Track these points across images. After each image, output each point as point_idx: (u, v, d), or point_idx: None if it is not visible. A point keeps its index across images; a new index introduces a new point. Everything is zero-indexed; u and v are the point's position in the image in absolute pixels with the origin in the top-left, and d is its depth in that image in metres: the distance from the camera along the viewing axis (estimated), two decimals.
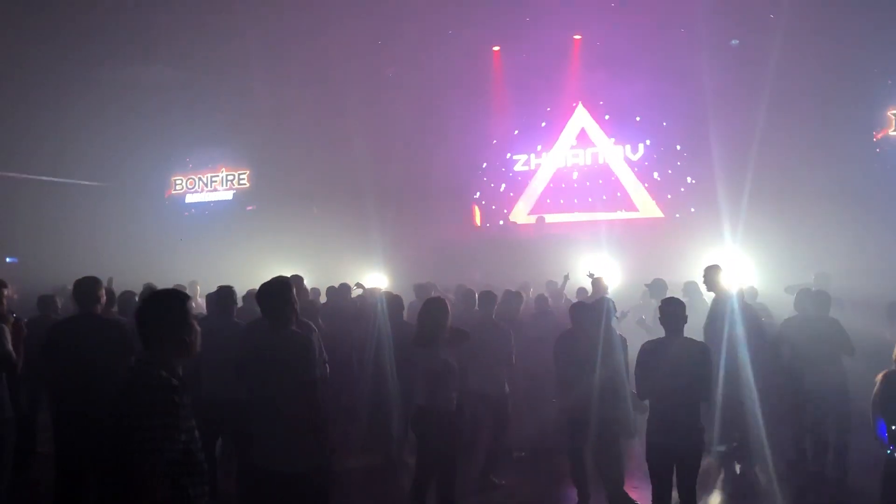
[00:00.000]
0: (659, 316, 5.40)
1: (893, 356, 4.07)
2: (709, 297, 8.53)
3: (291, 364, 4.11)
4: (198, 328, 3.18)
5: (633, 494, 6.47)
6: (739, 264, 12.30)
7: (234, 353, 5.68)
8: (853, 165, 14.13)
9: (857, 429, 6.78)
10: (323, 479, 4.14)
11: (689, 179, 16.77)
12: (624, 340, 6.69)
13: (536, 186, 18.66)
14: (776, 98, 13.59)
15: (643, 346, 5.48)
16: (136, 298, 8.14)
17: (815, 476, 7.22)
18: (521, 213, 18.64)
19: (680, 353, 5.19)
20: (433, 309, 5.70)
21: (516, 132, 18.99)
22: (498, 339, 7.27)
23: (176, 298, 3.18)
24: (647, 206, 17.27)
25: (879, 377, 4.13)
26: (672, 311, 5.29)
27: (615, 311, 6.85)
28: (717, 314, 7.69)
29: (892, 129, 14.56)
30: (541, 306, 9.40)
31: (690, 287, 9.46)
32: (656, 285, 9.98)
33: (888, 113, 14.60)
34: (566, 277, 11.01)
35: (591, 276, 10.17)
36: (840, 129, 14.24)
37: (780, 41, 13.84)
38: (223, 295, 6.78)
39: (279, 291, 4.36)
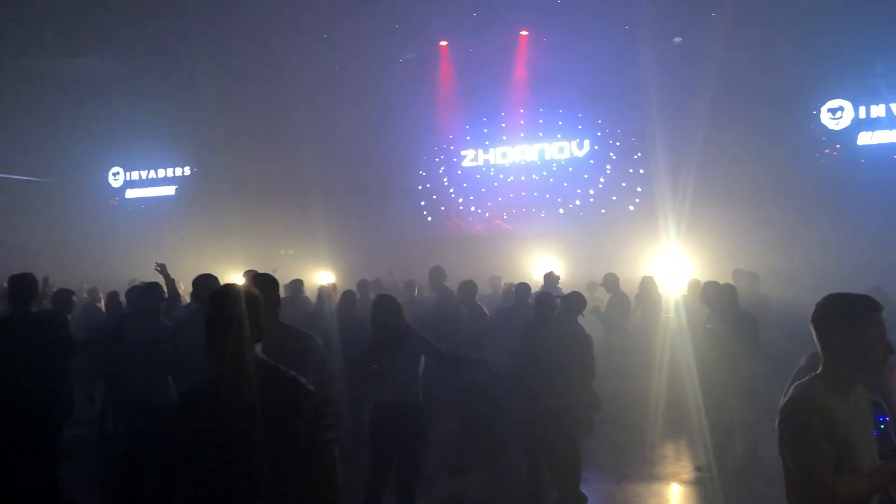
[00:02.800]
0: None
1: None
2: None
3: (298, 362, 4.05)
4: None
5: (583, 487, 6.53)
6: (680, 260, 12.55)
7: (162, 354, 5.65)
8: (794, 163, 14.48)
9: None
10: None
11: (624, 176, 17.02)
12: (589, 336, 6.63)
13: (483, 183, 18.73)
14: (718, 96, 13.85)
15: None
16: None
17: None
18: (468, 211, 18.70)
19: None
20: (385, 306, 5.65)
21: (467, 127, 19.00)
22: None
23: None
24: (594, 203, 17.44)
25: (805, 358, 4.30)
26: None
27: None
28: None
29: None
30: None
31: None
32: (609, 280, 10.17)
33: (823, 108, 15.04)
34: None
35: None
36: (781, 126, 14.59)
37: (721, 40, 14.12)
38: (150, 292, 6.48)
39: (270, 285, 4.29)
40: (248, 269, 8.11)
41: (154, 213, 21.19)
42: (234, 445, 2.66)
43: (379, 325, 5.62)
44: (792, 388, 2.91)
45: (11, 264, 6.13)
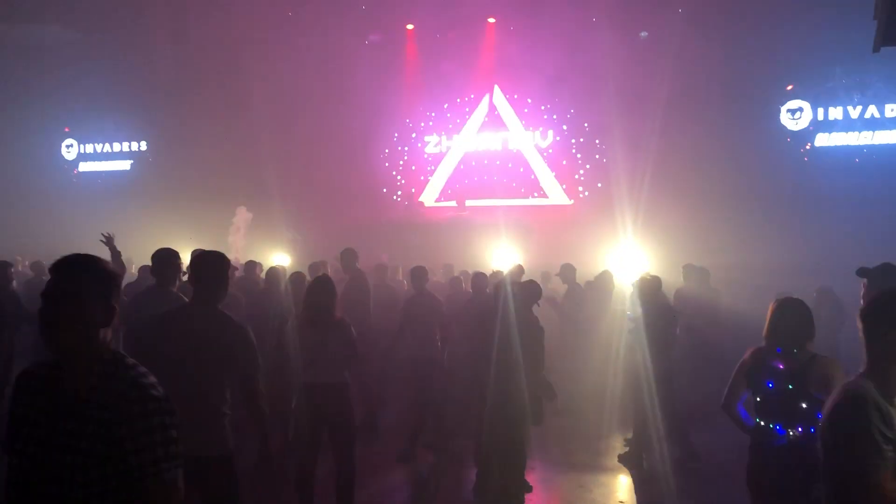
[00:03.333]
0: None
1: (763, 333, 4.27)
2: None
3: (233, 353, 3.88)
4: None
5: (528, 476, 6.52)
6: (636, 253, 12.62)
7: None
8: (753, 161, 14.63)
9: None
10: (231, 463, 3.92)
11: (585, 168, 17.13)
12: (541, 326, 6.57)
13: (445, 170, 18.64)
14: (680, 92, 13.95)
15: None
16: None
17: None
18: (429, 197, 18.58)
19: None
20: (320, 288, 5.57)
21: (432, 114, 18.86)
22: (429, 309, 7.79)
23: None
24: (555, 193, 17.48)
25: (749, 352, 4.32)
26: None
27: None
28: None
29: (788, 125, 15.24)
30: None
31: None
32: (566, 271, 10.15)
33: (783, 108, 15.25)
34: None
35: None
36: (741, 125, 14.73)
37: (686, 36, 14.23)
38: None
39: (219, 265, 4.04)
40: (196, 248, 7.87)
41: (109, 187, 20.67)
42: (52, 444, 2.23)
43: (309, 306, 5.55)
44: (840, 390, 2.73)
45: None
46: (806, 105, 15.09)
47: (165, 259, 5.33)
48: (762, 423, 4.11)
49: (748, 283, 9.81)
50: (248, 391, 3.93)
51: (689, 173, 14.04)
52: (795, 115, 15.14)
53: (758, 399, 4.16)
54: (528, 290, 6.59)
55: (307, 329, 5.51)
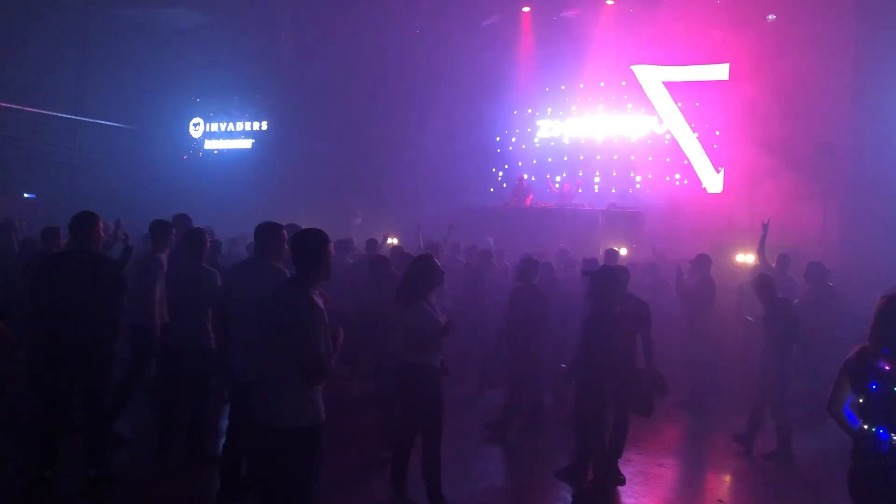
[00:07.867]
0: None
1: (868, 331, 4.03)
2: None
3: (301, 336, 3.79)
4: None
5: (623, 468, 6.44)
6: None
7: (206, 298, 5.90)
8: (877, 152, 13.76)
9: None
10: (317, 436, 3.91)
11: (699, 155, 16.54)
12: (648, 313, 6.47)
13: (557, 155, 18.40)
14: (806, 78, 13.36)
15: None
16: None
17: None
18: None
19: None
20: (419, 267, 5.60)
21: (548, 96, 18.60)
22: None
23: None
24: (665, 180, 16.94)
25: (854, 350, 4.08)
26: None
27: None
28: None
29: None
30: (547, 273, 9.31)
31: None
32: (700, 261, 9.75)
33: None
34: None
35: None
36: (868, 115, 13.89)
37: (814, 20, 13.70)
38: (193, 238, 6.33)
39: (318, 245, 3.99)
40: (290, 223, 7.94)
41: (231, 164, 21.51)
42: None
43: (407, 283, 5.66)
44: None
45: (91, 206, 6.13)
46: None
47: (270, 232, 5.29)
48: (865, 427, 3.92)
49: (856, 279, 9.31)
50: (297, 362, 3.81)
51: (812, 161, 13.46)
52: None
53: (861, 401, 3.97)
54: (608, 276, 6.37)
55: (403, 308, 5.56)
